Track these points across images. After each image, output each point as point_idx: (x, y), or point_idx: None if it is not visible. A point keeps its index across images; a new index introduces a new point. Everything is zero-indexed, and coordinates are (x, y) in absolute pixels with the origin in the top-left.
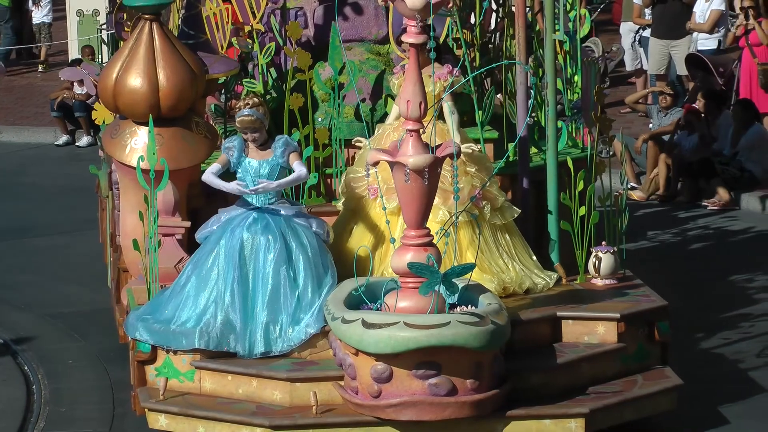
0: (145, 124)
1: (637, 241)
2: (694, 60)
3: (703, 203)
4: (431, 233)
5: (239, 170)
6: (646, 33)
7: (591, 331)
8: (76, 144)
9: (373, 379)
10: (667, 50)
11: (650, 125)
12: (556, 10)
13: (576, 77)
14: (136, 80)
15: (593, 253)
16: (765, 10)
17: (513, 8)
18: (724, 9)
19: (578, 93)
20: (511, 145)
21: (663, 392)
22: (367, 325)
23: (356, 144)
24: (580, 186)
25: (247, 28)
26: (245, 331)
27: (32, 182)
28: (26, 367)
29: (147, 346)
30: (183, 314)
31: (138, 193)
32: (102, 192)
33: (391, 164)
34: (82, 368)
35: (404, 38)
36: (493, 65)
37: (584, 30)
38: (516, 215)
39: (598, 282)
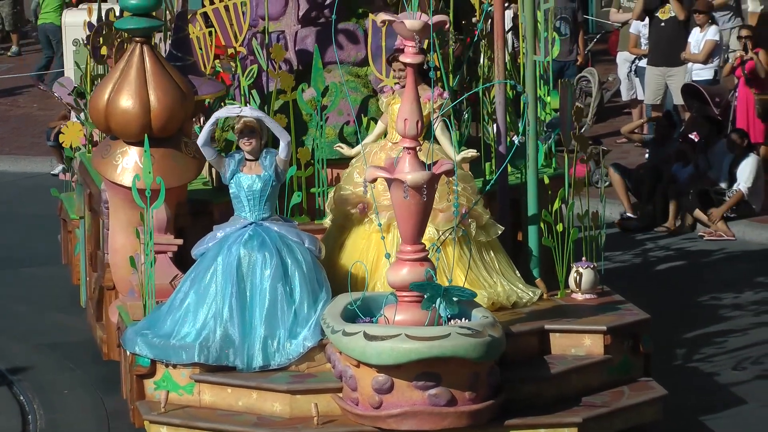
0: (136, 144)
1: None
2: (690, 90)
3: (700, 233)
4: (426, 248)
5: (232, 184)
6: (643, 63)
7: (578, 344)
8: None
9: (375, 390)
10: (663, 79)
11: (646, 155)
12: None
13: (548, 98)
14: (127, 101)
15: (574, 269)
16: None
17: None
18: (718, 39)
19: (551, 114)
20: (488, 165)
21: (649, 402)
22: (369, 337)
23: (337, 149)
24: (557, 204)
25: (229, 51)
26: (244, 345)
27: (28, 212)
28: (22, 397)
29: (146, 361)
30: (183, 329)
31: (128, 211)
32: (73, 213)
33: (389, 181)
34: (77, 397)
35: (402, 58)
36: (487, 84)
37: (554, 52)
38: (500, 232)
39: (579, 297)
